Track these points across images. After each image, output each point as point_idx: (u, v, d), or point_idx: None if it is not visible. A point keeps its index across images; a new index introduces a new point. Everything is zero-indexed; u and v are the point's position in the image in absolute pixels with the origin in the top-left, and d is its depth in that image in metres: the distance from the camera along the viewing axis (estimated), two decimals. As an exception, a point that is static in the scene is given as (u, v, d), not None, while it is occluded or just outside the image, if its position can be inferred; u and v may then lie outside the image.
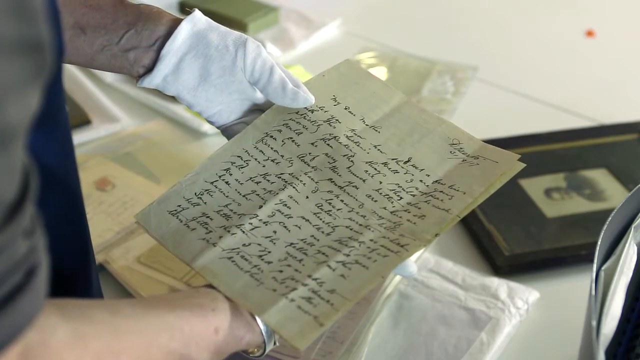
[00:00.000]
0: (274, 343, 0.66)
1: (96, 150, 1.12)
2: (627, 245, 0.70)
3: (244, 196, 0.72)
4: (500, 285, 0.90)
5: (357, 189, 0.72)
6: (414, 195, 0.71)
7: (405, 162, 0.74)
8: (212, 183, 0.73)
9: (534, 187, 1.07)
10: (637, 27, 1.55)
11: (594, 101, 1.29)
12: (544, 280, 0.93)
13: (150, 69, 0.74)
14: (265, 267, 0.66)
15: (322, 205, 0.71)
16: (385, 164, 0.74)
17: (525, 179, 1.07)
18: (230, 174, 0.74)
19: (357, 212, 0.70)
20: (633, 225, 0.72)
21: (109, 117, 1.18)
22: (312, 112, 0.78)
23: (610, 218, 0.70)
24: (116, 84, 1.26)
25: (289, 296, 0.64)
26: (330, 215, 0.70)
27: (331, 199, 0.71)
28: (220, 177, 0.74)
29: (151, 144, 1.14)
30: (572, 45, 1.46)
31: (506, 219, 1.01)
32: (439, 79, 1.32)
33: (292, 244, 0.68)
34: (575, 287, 0.91)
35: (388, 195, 0.71)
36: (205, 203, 0.72)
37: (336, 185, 0.72)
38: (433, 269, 0.92)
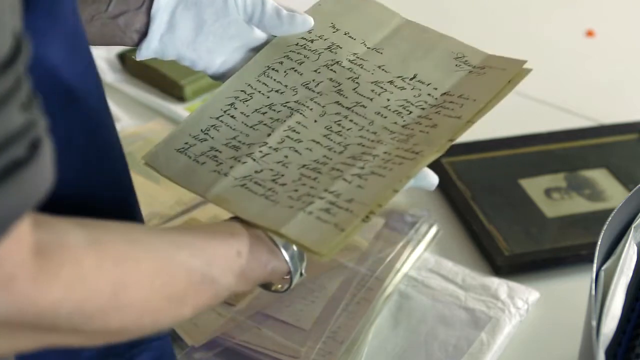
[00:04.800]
0: (301, 274, 0.65)
1: (96, 150, 1.12)
2: (627, 245, 0.70)
3: (251, 127, 0.72)
4: (500, 285, 0.90)
5: (365, 108, 0.71)
6: (423, 109, 0.70)
7: (412, 79, 0.73)
8: (217, 118, 0.73)
9: (534, 187, 1.07)
10: (637, 27, 1.55)
11: (594, 101, 1.28)
12: (544, 280, 0.93)
13: (143, 34, 0.73)
14: (280, 189, 0.66)
15: (331, 127, 0.70)
16: (391, 82, 0.73)
17: (525, 179, 1.07)
18: (235, 108, 0.74)
19: (368, 130, 0.70)
20: (633, 225, 0.72)
21: (109, 117, 1.18)
22: (312, 42, 0.77)
23: (610, 218, 0.70)
24: (116, 84, 1.26)
25: (307, 209, 0.63)
26: (340, 135, 0.70)
27: (340, 120, 0.71)
28: (225, 112, 0.73)
29: (151, 144, 1.13)
30: (572, 45, 1.46)
31: (506, 219, 1.01)
32: (439, 79, 1.32)
33: (305, 165, 0.68)
34: (575, 287, 0.90)
35: (397, 110, 0.71)
36: (212, 138, 0.71)
37: (343, 106, 0.72)
38: (433, 269, 0.92)
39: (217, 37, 0.74)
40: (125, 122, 1.17)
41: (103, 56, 1.28)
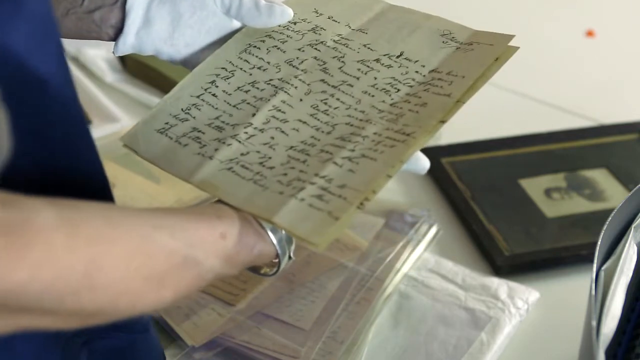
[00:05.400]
0: (289, 257, 0.63)
1: (96, 150, 1.12)
2: (627, 245, 0.70)
3: (234, 106, 0.69)
4: (500, 285, 0.90)
5: (352, 86, 0.70)
6: (411, 86, 0.69)
7: (398, 57, 0.72)
8: (198, 97, 0.71)
9: (534, 187, 1.07)
10: (637, 27, 1.55)
11: (594, 101, 1.29)
12: (544, 280, 0.94)
13: (119, 29, 0.72)
14: (268, 173, 0.63)
15: (317, 106, 0.68)
16: (377, 60, 0.72)
17: (525, 179, 1.07)
18: (217, 86, 0.71)
19: (356, 109, 0.68)
20: (633, 225, 0.72)
21: (109, 117, 1.18)
22: (295, 24, 0.76)
23: (610, 218, 0.70)
24: (116, 84, 1.26)
25: (298, 196, 0.61)
26: (327, 114, 0.67)
27: (326, 99, 0.69)
28: (206, 90, 0.71)
29: (151, 144, 1.13)
30: (572, 45, 1.46)
31: (506, 219, 1.01)
32: (439, 79, 1.32)
33: (292, 147, 0.65)
34: (575, 287, 0.91)
35: (385, 89, 0.69)
36: (194, 118, 0.69)
37: (329, 85, 0.70)
38: (433, 269, 0.92)
39: (195, 31, 0.73)
40: (125, 122, 1.17)
41: (103, 56, 1.28)
